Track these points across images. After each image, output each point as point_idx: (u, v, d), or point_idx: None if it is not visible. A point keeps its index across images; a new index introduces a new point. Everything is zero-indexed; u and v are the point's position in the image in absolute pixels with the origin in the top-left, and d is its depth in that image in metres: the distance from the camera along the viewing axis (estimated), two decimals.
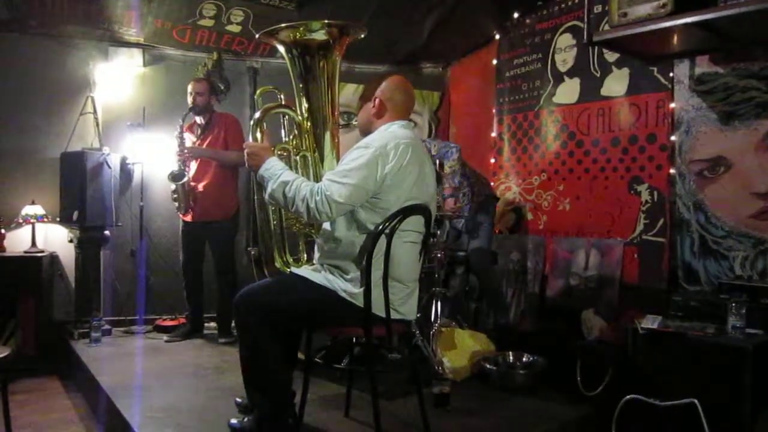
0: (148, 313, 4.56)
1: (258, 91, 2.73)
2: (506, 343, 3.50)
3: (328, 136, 2.58)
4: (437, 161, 3.89)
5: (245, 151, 2.32)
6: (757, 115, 3.23)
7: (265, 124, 2.45)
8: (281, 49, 2.59)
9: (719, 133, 3.40)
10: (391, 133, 2.28)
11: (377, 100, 2.34)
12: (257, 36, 2.63)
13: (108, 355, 3.79)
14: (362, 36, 2.58)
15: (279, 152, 2.47)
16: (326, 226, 2.29)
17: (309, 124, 2.57)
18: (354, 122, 2.49)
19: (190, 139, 4.19)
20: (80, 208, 4.16)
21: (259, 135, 2.41)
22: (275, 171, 2.23)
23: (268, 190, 2.23)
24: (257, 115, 2.46)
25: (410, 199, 2.22)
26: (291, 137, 2.59)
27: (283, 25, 2.51)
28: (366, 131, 2.40)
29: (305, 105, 2.57)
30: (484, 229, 4.06)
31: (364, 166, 2.14)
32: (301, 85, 2.58)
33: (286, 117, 2.63)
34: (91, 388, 3.37)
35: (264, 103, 2.59)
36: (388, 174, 2.16)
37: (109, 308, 4.53)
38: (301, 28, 2.51)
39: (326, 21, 2.49)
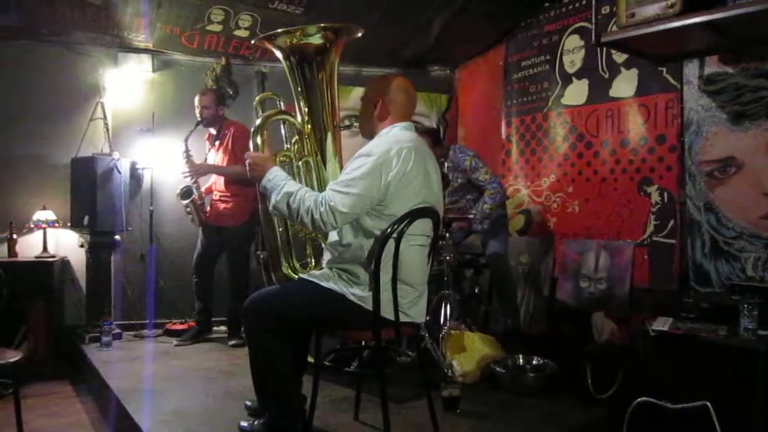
0: (158, 317, 4.58)
1: (257, 98, 2.71)
2: (516, 346, 3.49)
3: (329, 139, 2.56)
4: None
5: (246, 161, 2.30)
6: None
7: (265, 132, 2.44)
8: (279, 54, 2.57)
9: (729, 134, 3.37)
10: (392, 136, 2.26)
11: (379, 102, 2.32)
12: (252, 41, 2.62)
13: (118, 359, 3.81)
14: (359, 35, 2.56)
15: (281, 159, 2.46)
16: (333, 234, 2.28)
17: (310, 128, 2.55)
18: (356, 124, 2.48)
19: (206, 149, 4.25)
20: (91, 213, 4.20)
21: (259, 141, 2.39)
22: (278, 182, 2.21)
23: (272, 201, 2.21)
24: (257, 122, 2.45)
25: (417, 204, 2.21)
26: (293, 143, 2.57)
27: (279, 30, 2.50)
28: (368, 134, 2.39)
29: (305, 109, 2.55)
30: (503, 230, 4.06)
31: (367, 174, 2.12)
32: (300, 90, 2.56)
33: (287, 123, 2.60)
34: (102, 392, 3.38)
35: (264, 109, 2.58)
36: (391, 182, 2.14)
37: (119, 312, 4.56)
38: (298, 33, 2.49)
39: (322, 24, 2.48)
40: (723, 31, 2.86)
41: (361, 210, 2.15)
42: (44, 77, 4.45)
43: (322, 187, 2.48)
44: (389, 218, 2.17)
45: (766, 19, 2.61)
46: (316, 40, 2.49)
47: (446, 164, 3.89)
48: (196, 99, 4.14)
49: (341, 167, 2.32)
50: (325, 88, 2.56)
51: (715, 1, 2.68)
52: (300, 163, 2.54)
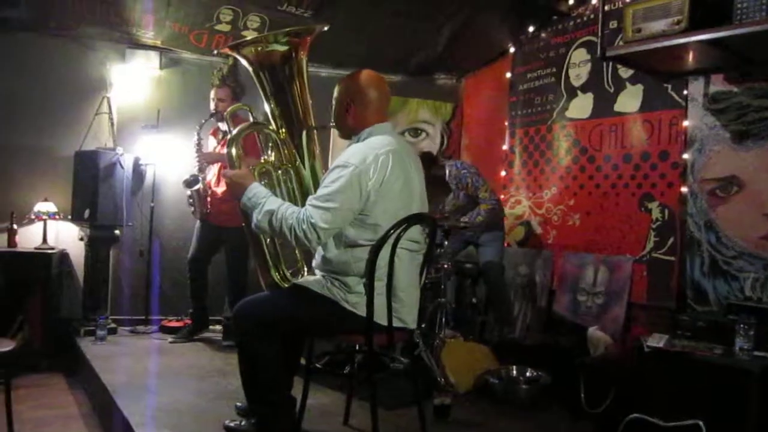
0: (154, 313, 4.58)
1: (228, 110, 2.73)
2: (511, 357, 3.47)
3: (305, 141, 2.54)
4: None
5: (226, 181, 2.29)
6: None
7: (240, 145, 2.43)
8: (245, 63, 2.58)
9: (732, 153, 3.37)
10: (367, 144, 2.21)
11: (351, 104, 2.27)
12: (215, 52, 2.66)
13: (112, 354, 3.80)
14: (326, 29, 2.57)
15: (261, 171, 2.44)
16: (319, 247, 2.25)
17: (284, 133, 2.53)
18: (331, 124, 2.45)
19: (212, 144, 4.24)
20: (92, 207, 4.20)
21: (235, 155, 2.38)
22: (258, 199, 2.19)
23: (254, 220, 2.19)
24: (231, 135, 2.45)
25: (399, 209, 2.19)
26: (270, 152, 2.54)
27: (242, 40, 2.56)
28: (346, 135, 2.37)
29: (277, 114, 2.55)
30: (498, 240, 4.06)
31: (345, 187, 2.08)
32: (269, 96, 2.57)
33: (261, 133, 2.59)
34: (94, 386, 3.38)
35: (236, 122, 2.60)
36: (371, 190, 2.11)
37: (116, 307, 4.56)
38: (261, 43, 2.53)
39: (282, 31, 2.49)
40: (729, 50, 2.87)
41: (343, 223, 2.13)
42: (51, 70, 4.46)
43: (304, 195, 2.44)
44: (372, 227, 2.15)
45: None
46: (280, 47, 2.49)
47: (449, 180, 3.91)
48: (212, 92, 4.15)
49: (325, 167, 2.30)
50: (295, 91, 2.54)
51: (721, 20, 2.68)
52: (279, 172, 2.50)
